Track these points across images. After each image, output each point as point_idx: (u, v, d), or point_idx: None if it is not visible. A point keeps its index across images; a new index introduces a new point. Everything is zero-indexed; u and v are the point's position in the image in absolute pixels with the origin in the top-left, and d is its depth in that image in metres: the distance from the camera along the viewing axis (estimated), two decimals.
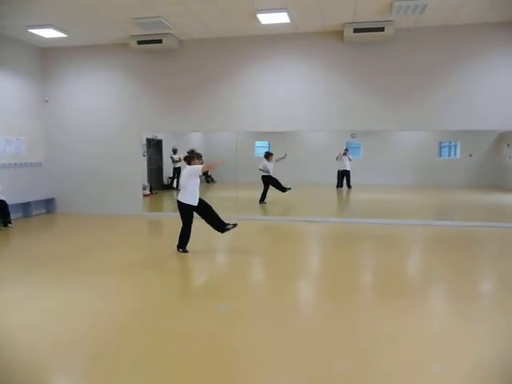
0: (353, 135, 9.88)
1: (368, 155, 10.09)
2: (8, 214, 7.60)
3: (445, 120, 7.64)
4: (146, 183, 9.99)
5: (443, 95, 7.61)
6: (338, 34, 7.77)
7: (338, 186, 10.05)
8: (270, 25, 7.42)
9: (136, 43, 8.05)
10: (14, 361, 2.91)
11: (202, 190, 5.71)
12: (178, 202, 5.55)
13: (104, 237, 7.04)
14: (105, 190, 9.09)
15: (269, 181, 9.26)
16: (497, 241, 6.77)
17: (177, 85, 8.55)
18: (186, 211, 5.56)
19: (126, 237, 7.09)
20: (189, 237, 5.64)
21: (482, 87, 7.49)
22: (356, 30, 7.34)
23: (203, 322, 3.50)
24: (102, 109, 8.94)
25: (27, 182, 8.78)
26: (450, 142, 9.58)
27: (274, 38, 8.06)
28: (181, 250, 5.66)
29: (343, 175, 9.95)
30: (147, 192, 9.97)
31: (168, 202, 11.23)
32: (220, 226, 5.73)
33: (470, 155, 8.89)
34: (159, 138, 10.48)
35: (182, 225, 5.61)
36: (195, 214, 5.65)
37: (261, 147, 10.58)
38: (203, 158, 5.67)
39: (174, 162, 10.74)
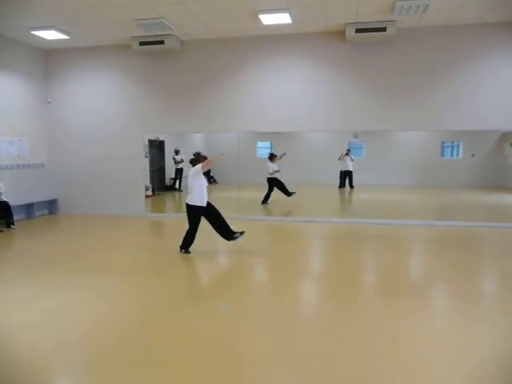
0: (355, 135, 9.86)
1: (370, 155, 10.07)
2: (11, 215, 7.63)
3: (447, 120, 7.62)
4: (149, 184, 10.01)
5: (445, 95, 7.60)
6: (340, 34, 7.77)
7: (340, 187, 10.01)
8: (271, 25, 7.43)
9: (138, 44, 8.08)
10: (15, 361, 2.93)
11: None
12: (186, 204, 5.54)
13: (106, 237, 7.06)
14: (107, 190, 9.12)
15: (274, 183, 9.23)
16: (499, 241, 6.75)
17: (179, 85, 8.57)
18: (194, 214, 5.52)
19: (128, 237, 7.11)
20: (193, 239, 5.63)
21: (484, 87, 7.47)
22: (358, 30, 7.34)
23: (204, 322, 3.50)
24: (104, 110, 8.96)
25: (30, 183, 8.81)
26: (452, 142, 9.55)
27: (276, 39, 8.07)
28: (183, 250, 5.67)
29: (345, 175, 9.91)
30: (149, 193, 9.97)
31: (170, 202, 11.25)
32: (228, 234, 5.69)
33: (473, 155, 8.86)
34: (161, 138, 10.48)
35: (188, 227, 5.59)
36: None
37: (263, 148, 10.58)
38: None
39: (176, 162, 10.74)
